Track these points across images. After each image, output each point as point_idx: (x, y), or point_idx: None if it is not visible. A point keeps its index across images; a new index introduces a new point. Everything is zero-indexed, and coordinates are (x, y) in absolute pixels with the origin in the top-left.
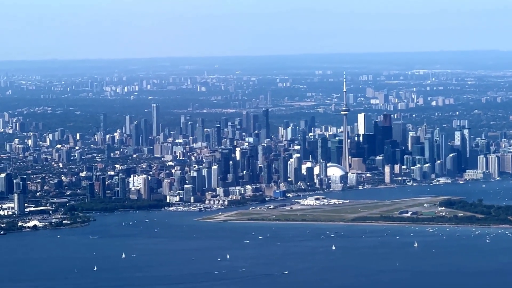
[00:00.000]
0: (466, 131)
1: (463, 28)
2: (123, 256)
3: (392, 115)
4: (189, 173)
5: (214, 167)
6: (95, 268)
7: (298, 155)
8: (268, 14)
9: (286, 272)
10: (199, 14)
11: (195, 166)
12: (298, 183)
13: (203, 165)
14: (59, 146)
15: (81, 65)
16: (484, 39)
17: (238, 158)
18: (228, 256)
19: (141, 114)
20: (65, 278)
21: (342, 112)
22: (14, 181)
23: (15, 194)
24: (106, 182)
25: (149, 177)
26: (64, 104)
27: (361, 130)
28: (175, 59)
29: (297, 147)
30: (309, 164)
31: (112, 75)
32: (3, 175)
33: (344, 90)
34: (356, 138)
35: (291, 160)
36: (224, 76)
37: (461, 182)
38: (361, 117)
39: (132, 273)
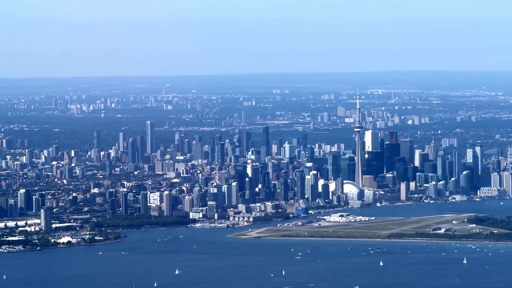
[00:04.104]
0: (478, 149)
1: (407, 49)
2: (177, 272)
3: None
4: (203, 190)
5: (234, 183)
6: (155, 284)
7: (315, 172)
8: (212, 34)
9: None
10: (143, 32)
11: (213, 183)
12: (317, 200)
13: (218, 182)
14: (54, 163)
15: (30, 84)
16: (428, 60)
17: (250, 175)
18: (283, 272)
19: (125, 132)
20: None
21: (356, 129)
22: (33, 197)
23: (42, 210)
24: (128, 199)
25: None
26: (38, 122)
27: (368, 148)
28: (123, 78)
29: (309, 164)
30: (322, 181)
31: (67, 94)
32: (23, 191)
33: (358, 107)
34: (366, 156)
35: (308, 177)
36: (183, 95)
37: (477, 199)
38: (368, 134)
39: None
